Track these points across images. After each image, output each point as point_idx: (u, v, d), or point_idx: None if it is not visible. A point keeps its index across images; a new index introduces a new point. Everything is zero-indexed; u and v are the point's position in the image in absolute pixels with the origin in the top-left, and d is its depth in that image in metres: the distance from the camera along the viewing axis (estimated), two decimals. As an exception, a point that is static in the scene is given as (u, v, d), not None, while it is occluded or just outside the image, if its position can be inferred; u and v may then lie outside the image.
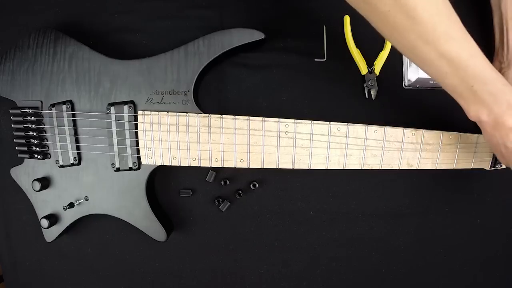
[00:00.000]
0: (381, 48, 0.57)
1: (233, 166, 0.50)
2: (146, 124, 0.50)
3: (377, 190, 0.58)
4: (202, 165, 0.50)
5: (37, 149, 0.53)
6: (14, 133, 0.54)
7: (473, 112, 0.44)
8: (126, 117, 0.51)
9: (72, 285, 0.61)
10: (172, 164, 0.51)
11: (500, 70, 0.53)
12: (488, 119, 0.44)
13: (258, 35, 0.49)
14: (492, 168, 0.55)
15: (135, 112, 0.51)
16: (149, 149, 0.51)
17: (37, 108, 0.53)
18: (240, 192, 0.56)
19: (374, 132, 0.49)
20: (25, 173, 0.55)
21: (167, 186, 0.58)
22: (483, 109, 0.43)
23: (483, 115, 0.44)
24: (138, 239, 0.58)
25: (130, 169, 0.52)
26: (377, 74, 0.56)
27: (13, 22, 0.59)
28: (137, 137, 0.51)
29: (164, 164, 0.51)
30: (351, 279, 0.60)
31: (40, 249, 0.60)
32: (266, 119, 0.49)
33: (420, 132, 0.51)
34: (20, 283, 0.62)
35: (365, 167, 0.51)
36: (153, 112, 0.50)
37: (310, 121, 0.49)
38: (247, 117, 0.49)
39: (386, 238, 0.59)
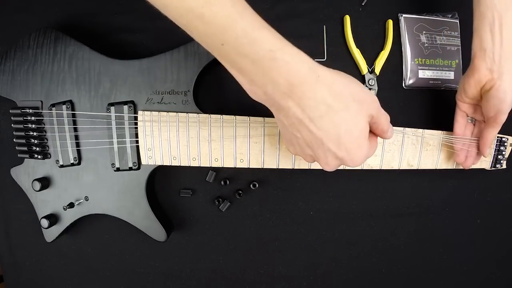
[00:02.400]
0: (381, 48, 0.57)
1: (233, 166, 0.50)
2: (146, 124, 0.50)
3: (377, 190, 0.58)
4: (202, 165, 0.50)
5: (37, 149, 0.53)
6: (14, 133, 0.54)
7: (247, 85, 0.31)
8: (126, 117, 0.51)
9: (72, 285, 0.61)
10: (172, 164, 0.51)
11: (491, 81, 0.45)
12: (266, 98, 0.32)
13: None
14: (492, 168, 0.55)
15: (135, 112, 0.51)
16: (149, 149, 0.51)
17: (37, 108, 0.53)
18: (240, 192, 0.56)
19: (374, 132, 0.49)
20: (25, 173, 0.55)
21: (167, 186, 0.58)
22: (253, 85, 0.31)
23: (256, 92, 0.31)
24: (138, 239, 0.58)
25: (130, 169, 0.52)
26: (377, 74, 0.56)
27: (13, 22, 0.59)
28: (137, 137, 0.51)
29: (164, 164, 0.51)
30: (351, 279, 0.60)
31: (40, 249, 0.60)
32: (266, 119, 0.49)
33: (420, 132, 0.51)
34: (20, 283, 0.62)
35: (365, 167, 0.51)
36: (153, 112, 0.50)
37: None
38: (247, 117, 0.49)
39: (386, 238, 0.59)
